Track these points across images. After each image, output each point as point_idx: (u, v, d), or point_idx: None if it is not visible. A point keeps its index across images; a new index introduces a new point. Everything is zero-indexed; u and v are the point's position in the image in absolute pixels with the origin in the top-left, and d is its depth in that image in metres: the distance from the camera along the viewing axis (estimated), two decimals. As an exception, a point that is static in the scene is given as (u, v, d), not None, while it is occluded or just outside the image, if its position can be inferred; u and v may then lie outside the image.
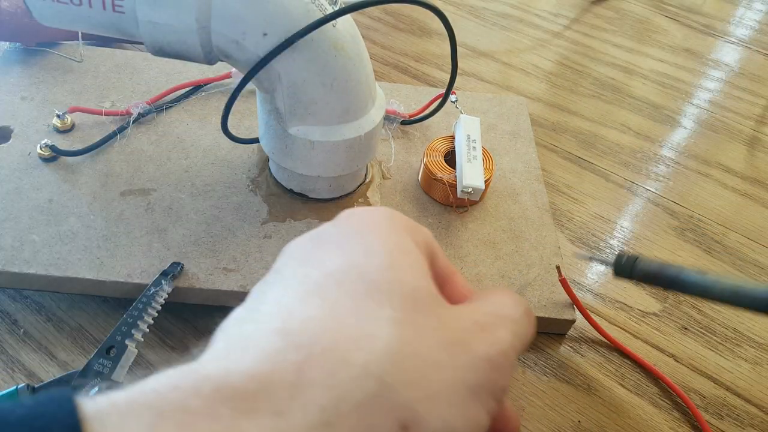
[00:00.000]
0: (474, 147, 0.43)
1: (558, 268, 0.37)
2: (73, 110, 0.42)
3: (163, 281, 0.33)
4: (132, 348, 0.30)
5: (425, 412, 0.16)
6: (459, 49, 0.64)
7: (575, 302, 0.37)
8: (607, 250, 0.44)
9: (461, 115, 0.46)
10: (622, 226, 0.46)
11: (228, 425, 0.14)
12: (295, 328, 0.16)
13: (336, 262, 0.19)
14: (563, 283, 0.37)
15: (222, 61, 0.34)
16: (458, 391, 0.17)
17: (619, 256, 0.35)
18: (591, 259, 0.36)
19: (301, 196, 0.41)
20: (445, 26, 0.37)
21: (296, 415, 0.15)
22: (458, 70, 0.42)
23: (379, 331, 0.17)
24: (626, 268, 0.34)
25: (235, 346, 0.16)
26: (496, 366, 0.18)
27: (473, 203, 0.43)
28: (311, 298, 0.17)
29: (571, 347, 0.38)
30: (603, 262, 0.36)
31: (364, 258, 0.19)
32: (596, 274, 0.42)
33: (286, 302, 0.18)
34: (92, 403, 0.13)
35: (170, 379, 0.14)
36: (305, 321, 0.17)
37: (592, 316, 0.38)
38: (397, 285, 0.18)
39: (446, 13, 0.36)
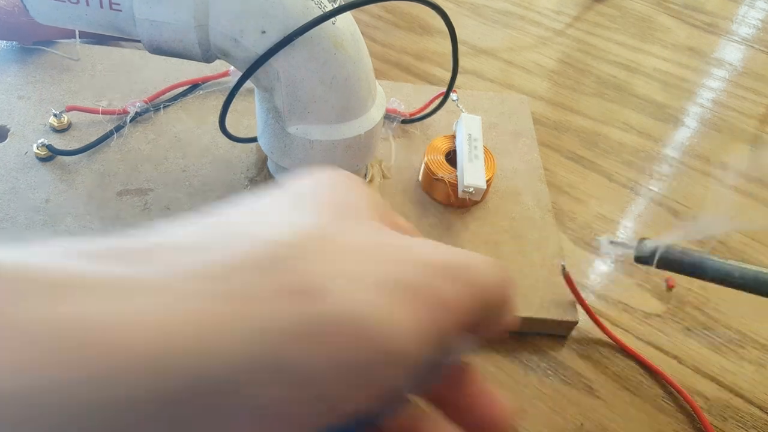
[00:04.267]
0: (475, 146, 0.42)
1: (567, 274, 0.36)
2: (69, 109, 0.42)
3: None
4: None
5: (334, 287, 0.15)
6: (460, 47, 0.64)
7: (580, 301, 0.37)
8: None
9: (462, 113, 0.45)
10: (625, 226, 0.46)
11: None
12: (209, 230, 0.16)
13: (269, 195, 0.18)
14: (567, 279, 0.36)
15: (220, 59, 0.33)
16: (382, 281, 0.16)
17: (641, 242, 0.34)
18: (612, 243, 0.35)
19: (301, 196, 0.40)
20: (446, 24, 0.36)
21: (157, 265, 0.14)
22: (459, 69, 0.41)
23: (294, 220, 0.16)
24: (647, 254, 0.33)
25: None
26: (439, 272, 0.16)
27: (474, 203, 0.42)
28: (233, 208, 0.17)
29: (573, 349, 0.37)
30: (624, 246, 0.35)
31: (296, 183, 0.19)
32: (599, 275, 0.42)
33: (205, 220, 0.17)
34: None
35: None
36: (217, 222, 0.16)
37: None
38: (325, 196, 0.18)
39: (447, 11, 0.35)
